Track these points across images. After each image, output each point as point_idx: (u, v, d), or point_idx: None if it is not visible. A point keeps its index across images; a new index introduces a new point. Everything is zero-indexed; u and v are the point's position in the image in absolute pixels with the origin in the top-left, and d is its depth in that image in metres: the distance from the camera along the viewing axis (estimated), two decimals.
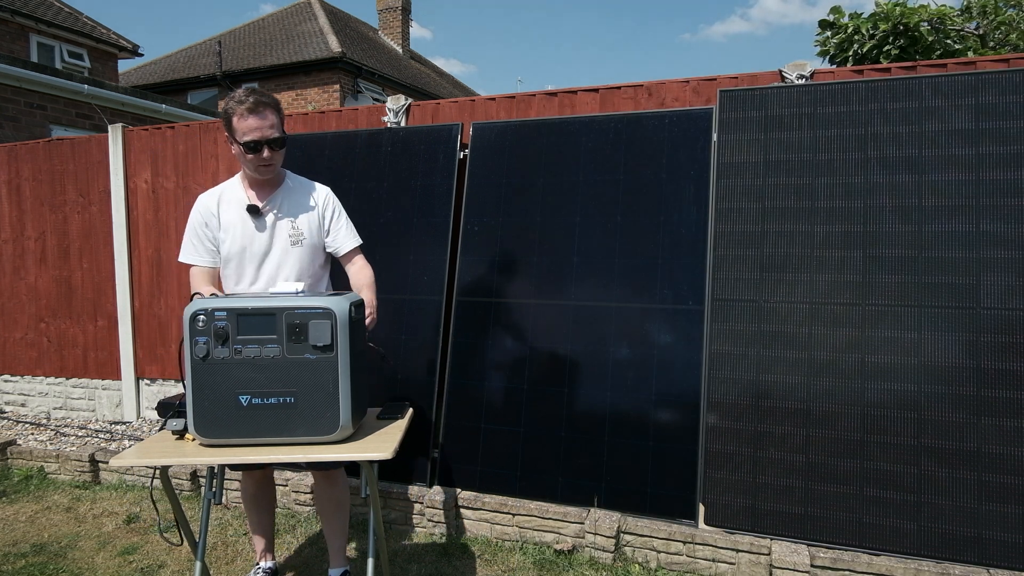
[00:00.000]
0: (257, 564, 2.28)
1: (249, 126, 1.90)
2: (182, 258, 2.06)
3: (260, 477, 2.20)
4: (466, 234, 3.01)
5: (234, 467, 2.17)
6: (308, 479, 2.92)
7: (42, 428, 4.23)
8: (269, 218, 2.01)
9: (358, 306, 1.75)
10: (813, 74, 2.73)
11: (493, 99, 3.31)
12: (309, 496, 2.91)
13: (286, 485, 2.96)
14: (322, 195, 2.10)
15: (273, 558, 2.28)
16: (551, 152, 2.95)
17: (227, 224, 2.00)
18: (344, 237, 2.10)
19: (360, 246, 2.15)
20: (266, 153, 1.92)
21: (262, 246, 1.99)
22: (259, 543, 2.26)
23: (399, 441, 1.70)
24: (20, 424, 4.33)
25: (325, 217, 2.08)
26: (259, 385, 1.62)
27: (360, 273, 2.10)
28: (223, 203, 2.03)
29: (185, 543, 1.94)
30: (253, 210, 1.97)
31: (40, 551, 2.63)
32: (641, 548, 2.47)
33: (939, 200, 2.39)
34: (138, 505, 3.05)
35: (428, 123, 3.41)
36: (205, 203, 2.04)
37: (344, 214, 2.14)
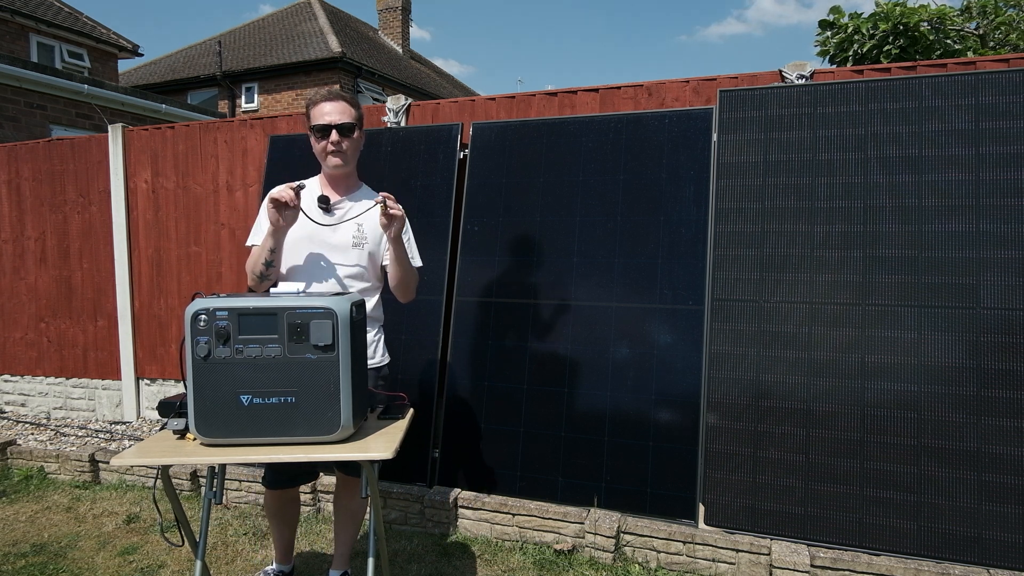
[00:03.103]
0: (271, 565, 2.28)
1: (321, 110, 1.95)
2: (248, 242, 2.07)
3: (285, 498, 2.18)
4: (466, 234, 3.01)
5: (268, 484, 2.15)
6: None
7: (42, 428, 4.22)
8: (337, 214, 2.03)
9: (359, 306, 1.74)
10: (813, 74, 2.73)
11: (493, 99, 3.31)
12: (310, 496, 2.91)
13: None
14: None
15: (283, 563, 2.27)
16: (551, 152, 2.95)
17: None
18: None
19: (417, 268, 2.13)
20: (334, 136, 1.95)
21: (325, 239, 2.00)
22: (277, 550, 2.25)
23: (400, 441, 1.69)
24: (20, 424, 4.32)
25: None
26: (260, 385, 1.60)
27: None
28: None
29: (185, 543, 1.94)
30: (324, 200, 1.99)
31: (40, 551, 2.62)
32: (641, 548, 2.47)
33: (939, 200, 2.39)
34: (138, 505, 3.04)
35: (428, 123, 3.40)
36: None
37: (411, 234, 2.14)
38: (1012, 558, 2.17)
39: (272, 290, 1.77)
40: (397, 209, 1.87)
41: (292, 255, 2.02)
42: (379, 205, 1.86)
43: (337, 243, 2.00)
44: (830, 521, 2.34)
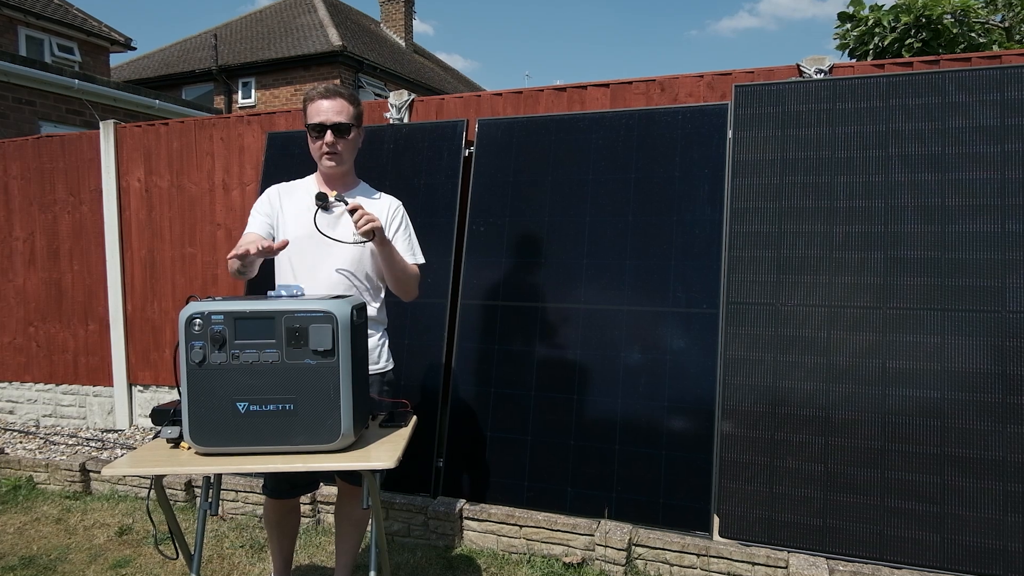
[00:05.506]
0: None
1: (317, 108, 1.89)
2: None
3: (286, 507, 2.11)
4: (471, 235, 2.93)
5: (269, 493, 2.08)
6: None
7: (31, 436, 4.13)
8: (336, 211, 1.97)
9: (360, 309, 1.67)
10: (832, 68, 2.66)
11: (500, 94, 3.22)
12: (309, 507, 2.83)
13: None
14: (393, 206, 2.06)
15: None
16: (560, 149, 2.86)
17: (292, 210, 1.96)
18: (402, 251, 2.02)
19: (419, 264, 2.07)
20: (329, 137, 1.88)
21: (324, 238, 1.93)
22: (276, 563, 2.17)
23: (403, 450, 1.64)
24: (8, 432, 4.23)
25: (391, 227, 2.02)
26: (257, 391, 1.55)
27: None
28: (292, 191, 2.01)
29: (180, 556, 1.86)
30: (321, 197, 1.93)
31: (29, 564, 2.54)
32: (653, 561, 2.39)
33: (963, 199, 2.31)
34: (130, 516, 2.96)
35: (432, 119, 3.32)
36: (274, 188, 2.03)
37: (411, 230, 2.09)
38: None
39: (270, 292, 1.70)
40: (366, 224, 1.75)
41: (291, 255, 1.95)
42: (355, 211, 1.77)
43: (337, 243, 1.93)
44: (849, 533, 2.26)
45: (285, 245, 1.74)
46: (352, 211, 1.76)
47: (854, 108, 2.46)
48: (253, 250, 1.65)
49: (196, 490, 3.05)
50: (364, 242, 1.91)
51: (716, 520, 2.41)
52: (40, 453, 3.79)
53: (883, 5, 4.31)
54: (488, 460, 2.72)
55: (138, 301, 4.12)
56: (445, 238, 2.95)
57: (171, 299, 4.03)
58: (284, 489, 2.05)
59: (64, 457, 3.62)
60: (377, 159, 3.15)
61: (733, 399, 2.45)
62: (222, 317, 1.53)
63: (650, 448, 2.53)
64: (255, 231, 1.93)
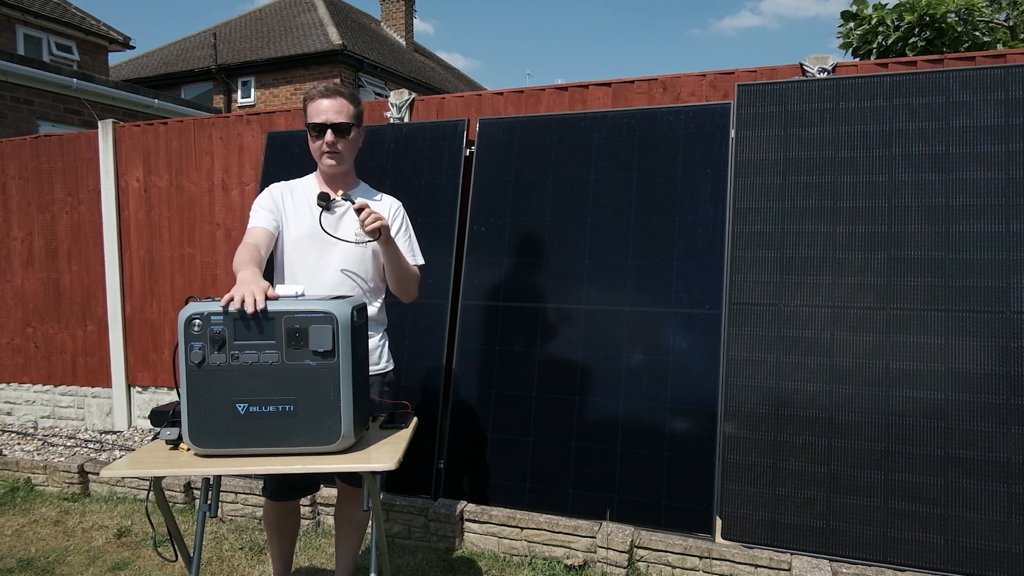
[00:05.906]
0: None
1: (317, 108, 1.88)
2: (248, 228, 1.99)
3: (286, 509, 2.10)
4: (472, 235, 2.91)
5: (269, 495, 2.07)
6: None
7: (29, 438, 4.11)
8: (338, 211, 1.96)
9: (360, 310, 1.66)
10: (835, 67, 2.65)
11: (501, 94, 3.21)
12: (309, 509, 2.81)
13: None
14: (394, 207, 2.05)
15: None
16: (561, 149, 2.85)
17: (294, 210, 1.95)
18: (403, 251, 2.00)
19: (419, 265, 2.07)
20: (329, 137, 1.87)
21: (326, 238, 1.93)
22: (276, 565, 2.15)
23: (403, 451, 1.62)
24: (6, 433, 4.21)
25: (392, 227, 2.01)
26: (257, 393, 1.54)
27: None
28: (292, 190, 2.00)
29: (179, 558, 1.85)
30: (324, 197, 1.91)
31: (27, 566, 2.53)
32: (656, 563, 2.38)
33: (967, 199, 2.30)
34: (129, 518, 2.94)
35: (432, 119, 3.30)
36: (275, 186, 2.02)
37: (411, 231, 2.09)
38: None
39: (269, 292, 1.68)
40: (373, 222, 1.75)
41: (292, 255, 1.94)
42: (362, 211, 1.76)
43: (340, 243, 1.92)
44: (853, 535, 2.25)
45: (277, 298, 1.63)
46: (359, 210, 1.75)
47: (857, 107, 2.45)
48: (260, 302, 1.53)
49: (195, 492, 3.04)
50: (369, 241, 1.90)
51: (719, 522, 2.40)
52: (38, 455, 3.77)
53: (886, 4, 4.28)
54: (489, 462, 2.71)
55: (137, 302, 4.10)
56: (446, 238, 2.93)
57: (170, 299, 4.01)
58: (284, 491, 2.03)
59: (62, 459, 3.60)
60: (377, 159, 3.13)
61: (736, 400, 2.44)
62: (221, 318, 1.51)
63: (652, 449, 2.52)
64: (261, 225, 1.91)
